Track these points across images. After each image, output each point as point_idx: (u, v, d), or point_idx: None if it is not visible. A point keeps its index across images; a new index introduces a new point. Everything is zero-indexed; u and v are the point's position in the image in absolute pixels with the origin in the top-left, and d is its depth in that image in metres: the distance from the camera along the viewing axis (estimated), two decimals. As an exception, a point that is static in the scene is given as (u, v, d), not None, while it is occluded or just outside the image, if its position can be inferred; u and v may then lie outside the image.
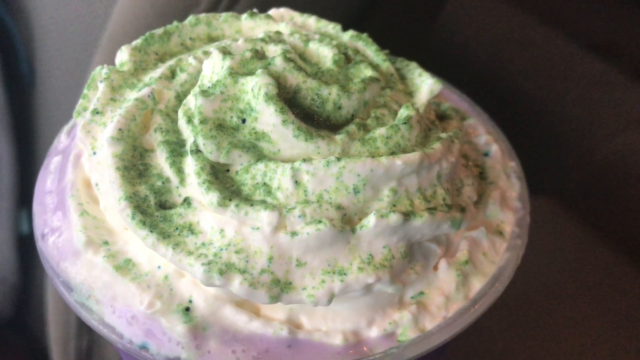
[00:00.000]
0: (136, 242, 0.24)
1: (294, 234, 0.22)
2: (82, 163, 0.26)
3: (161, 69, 0.27)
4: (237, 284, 0.22)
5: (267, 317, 0.23)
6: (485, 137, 0.29)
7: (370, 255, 0.23)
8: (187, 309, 0.23)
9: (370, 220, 0.23)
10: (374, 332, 0.23)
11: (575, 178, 0.81)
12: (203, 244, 0.23)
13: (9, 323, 0.71)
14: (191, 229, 0.23)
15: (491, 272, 0.25)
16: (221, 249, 0.22)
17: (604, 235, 0.59)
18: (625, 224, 0.72)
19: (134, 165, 0.24)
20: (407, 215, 0.23)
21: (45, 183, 0.27)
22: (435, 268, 0.25)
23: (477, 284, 0.25)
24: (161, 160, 0.24)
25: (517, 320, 0.47)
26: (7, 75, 0.71)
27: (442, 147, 0.24)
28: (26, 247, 0.70)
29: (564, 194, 0.77)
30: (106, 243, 0.24)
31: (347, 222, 0.23)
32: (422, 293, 0.24)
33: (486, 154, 0.28)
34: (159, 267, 0.23)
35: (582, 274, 0.53)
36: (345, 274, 0.22)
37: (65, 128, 0.29)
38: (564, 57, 0.99)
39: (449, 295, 0.24)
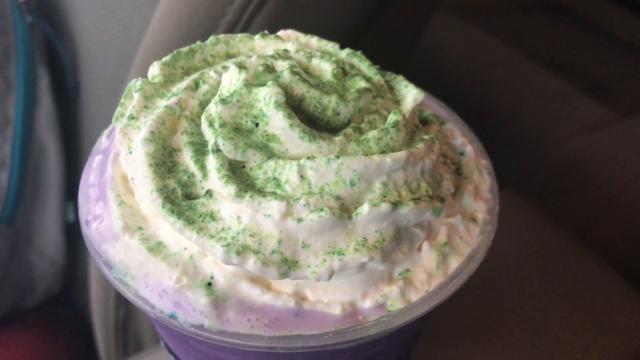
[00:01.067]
0: (166, 227, 0.24)
1: (299, 220, 0.22)
2: (120, 161, 0.26)
3: (186, 81, 0.26)
4: (251, 262, 0.22)
5: (277, 290, 0.23)
6: (461, 139, 0.29)
7: (364, 238, 0.23)
8: (209, 284, 0.22)
9: (365, 209, 0.22)
10: (367, 304, 0.23)
11: (535, 174, 0.81)
12: (222, 229, 0.22)
13: (59, 298, 0.71)
14: (212, 216, 0.23)
15: (466, 252, 0.25)
16: (238, 233, 0.22)
17: (560, 223, 0.58)
18: (578, 214, 0.71)
19: (164, 162, 0.24)
20: (396, 205, 0.23)
21: (89, 178, 0.27)
22: (419, 249, 0.24)
23: (454, 263, 0.25)
24: (187, 158, 0.24)
25: (487, 295, 0.47)
26: (56, 89, 0.71)
27: (425, 146, 0.24)
28: (73, 233, 0.70)
29: (526, 188, 0.77)
30: (140, 228, 0.24)
31: (344, 211, 0.23)
32: (408, 270, 0.24)
33: (462, 154, 0.28)
34: (185, 248, 0.23)
35: (541, 255, 0.52)
36: (343, 254, 0.22)
37: (106, 132, 0.29)
38: (526, 73, 0.99)
39: (430, 272, 0.24)
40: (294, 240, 0.22)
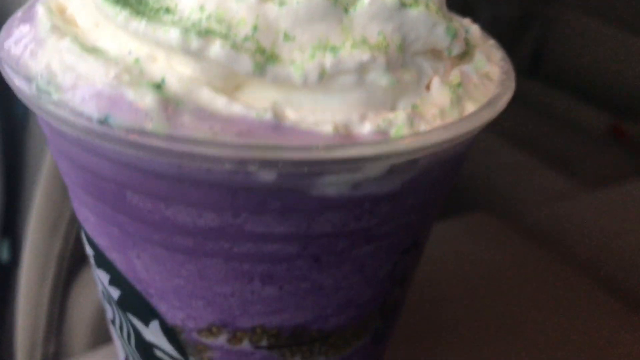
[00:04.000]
0: (107, 36, 0.18)
1: (282, 3, 0.17)
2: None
3: None
4: (217, 46, 0.16)
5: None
6: (466, 19, 0.25)
7: (364, 37, 0.18)
8: (159, 86, 0.17)
9: (365, 1, 0.18)
10: (366, 128, 0.17)
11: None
12: (180, 19, 0.17)
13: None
14: (168, 10, 0.18)
15: (484, 99, 0.20)
16: (200, 20, 0.17)
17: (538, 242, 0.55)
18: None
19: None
20: (404, 4, 0.18)
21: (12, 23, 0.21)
22: (428, 88, 0.19)
23: (470, 107, 0.19)
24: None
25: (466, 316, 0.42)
26: (3, 115, 0.65)
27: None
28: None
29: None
30: (74, 34, 0.18)
31: (339, 3, 0.18)
32: (415, 105, 0.19)
33: (466, 31, 0.24)
34: (129, 52, 0.18)
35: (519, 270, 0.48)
36: (337, 50, 0.17)
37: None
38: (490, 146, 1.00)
39: (443, 109, 0.19)
40: (273, 29, 0.17)
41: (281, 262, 0.20)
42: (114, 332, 0.26)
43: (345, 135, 0.17)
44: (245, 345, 0.22)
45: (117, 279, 0.22)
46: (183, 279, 0.20)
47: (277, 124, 0.17)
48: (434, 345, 0.39)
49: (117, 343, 0.26)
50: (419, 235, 0.22)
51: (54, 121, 0.17)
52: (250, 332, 0.21)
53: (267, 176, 0.17)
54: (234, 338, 0.22)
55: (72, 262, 0.48)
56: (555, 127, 1.09)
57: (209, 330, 0.22)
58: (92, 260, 0.24)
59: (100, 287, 0.24)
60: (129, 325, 0.24)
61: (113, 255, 0.21)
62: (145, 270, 0.21)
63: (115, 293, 0.23)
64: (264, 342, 0.22)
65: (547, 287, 0.47)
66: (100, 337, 0.46)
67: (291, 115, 0.17)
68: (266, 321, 0.21)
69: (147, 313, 0.22)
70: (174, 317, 0.22)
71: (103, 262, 0.22)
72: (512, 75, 0.22)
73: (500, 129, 1.05)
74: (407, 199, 0.20)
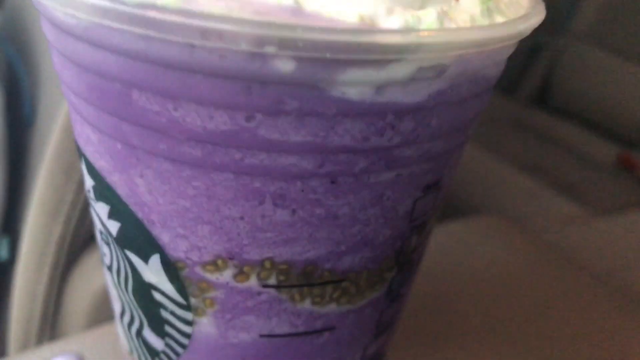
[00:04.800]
0: None
1: None
2: None
3: None
4: None
5: (267, -8, 0.16)
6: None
7: None
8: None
9: None
10: (393, 22, 0.16)
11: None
12: None
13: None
14: None
15: (516, 16, 0.19)
16: None
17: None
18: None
19: None
20: None
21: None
22: (457, 0, 0.18)
23: (501, 20, 0.18)
24: None
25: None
26: (11, 113, 0.65)
27: None
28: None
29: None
30: None
31: None
32: (445, 10, 0.17)
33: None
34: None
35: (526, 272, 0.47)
36: (364, -64, 0.16)
37: None
38: (498, 172, 1.01)
39: (474, 17, 0.18)
40: None
41: (295, 181, 0.18)
42: (110, 280, 0.24)
43: (370, 27, 0.16)
44: (253, 283, 0.20)
45: (117, 208, 0.21)
46: (189, 200, 0.19)
47: (298, 9, 0.15)
48: (440, 341, 0.38)
49: (113, 293, 0.24)
50: (441, 173, 0.21)
51: (60, 8, 0.16)
52: (259, 266, 0.20)
53: (285, 65, 0.15)
54: (241, 274, 0.20)
55: (71, 250, 0.46)
56: (564, 156, 1.09)
57: (214, 264, 0.20)
58: (91, 195, 0.22)
59: (98, 227, 0.23)
60: (127, 266, 0.22)
61: (114, 179, 0.20)
62: (148, 192, 0.19)
63: (114, 227, 0.21)
64: (273, 280, 0.20)
65: (556, 287, 0.46)
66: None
67: (313, 2, 0.16)
68: (276, 253, 0.20)
69: (148, 246, 0.20)
70: (177, 248, 0.20)
71: (103, 190, 0.21)
72: (542, 4, 0.20)
73: (509, 156, 1.05)
74: (432, 118, 0.18)
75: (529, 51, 1.26)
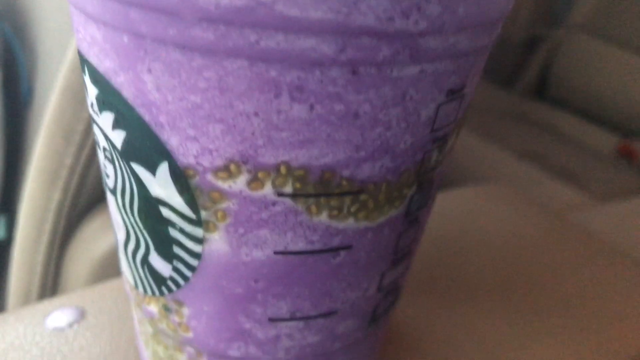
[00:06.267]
0: None
1: None
2: None
3: None
4: None
5: None
6: None
7: None
8: None
9: None
10: None
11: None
12: None
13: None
14: None
15: None
16: None
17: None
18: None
19: None
20: None
21: None
22: None
23: None
24: None
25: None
26: (8, 91, 0.63)
27: None
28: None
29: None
30: None
31: None
32: None
33: None
34: None
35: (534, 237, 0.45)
36: None
37: None
38: (500, 161, 1.01)
39: None
40: None
41: (314, 70, 0.17)
42: (114, 205, 0.23)
43: None
44: (267, 191, 0.19)
45: (122, 115, 0.19)
46: (200, 95, 0.17)
47: None
48: (451, 297, 0.37)
49: (117, 220, 0.23)
50: (465, 77, 0.20)
51: None
52: (274, 172, 0.19)
53: None
54: (255, 181, 0.19)
55: (69, 218, 0.45)
56: (564, 146, 1.09)
57: (227, 170, 0.19)
58: (95, 108, 0.21)
59: (102, 144, 0.22)
60: (133, 182, 0.21)
61: (120, 80, 0.19)
62: (156, 89, 0.18)
63: (119, 138, 0.20)
64: (288, 188, 0.19)
65: (565, 250, 0.45)
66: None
67: None
68: (292, 157, 0.18)
69: (155, 154, 0.19)
70: (187, 153, 0.19)
71: (107, 97, 0.19)
72: None
73: (509, 146, 1.04)
74: (459, 4, 0.17)
75: (528, 43, 1.26)
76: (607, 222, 0.83)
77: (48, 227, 0.45)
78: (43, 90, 0.64)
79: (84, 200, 0.45)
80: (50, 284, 0.46)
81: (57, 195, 0.44)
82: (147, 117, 0.19)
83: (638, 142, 1.09)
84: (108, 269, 0.44)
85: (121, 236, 0.24)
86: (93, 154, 0.43)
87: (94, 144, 0.43)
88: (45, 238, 0.45)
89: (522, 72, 1.33)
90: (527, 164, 0.99)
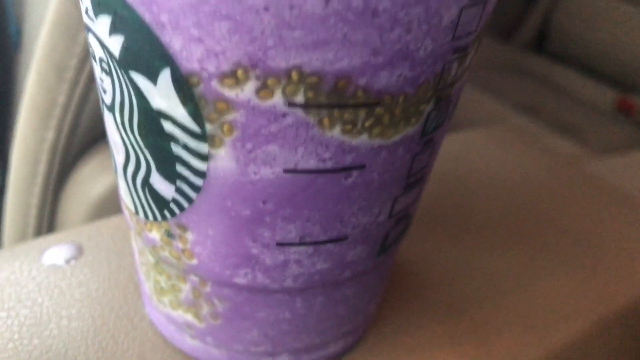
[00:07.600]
0: None
1: None
2: None
3: None
4: None
5: None
6: None
7: None
8: None
9: None
10: None
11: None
12: None
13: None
14: None
15: None
16: None
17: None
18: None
19: None
20: None
21: None
22: None
23: None
24: None
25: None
26: (-3, 34, 0.61)
27: None
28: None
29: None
30: None
31: None
32: None
33: None
34: None
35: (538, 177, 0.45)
36: None
37: None
38: (496, 112, 1.00)
39: None
40: None
41: (331, -41, 0.15)
42: (112, 124, 0.21)
43: None
44: (277, 100, 0.18)
45: (120, 16, 0.18)
46: (205, -13, 0.16)
47: None
48: (456, 234, 0.36)
49: (115, 140, 0.22)
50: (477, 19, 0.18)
51: None
52: (285, 78, 0.17)
53: None
54: (264, 88, 0.17)
55: (64, 160, 0.43)
56: (563, 100, 1.08)
57: (234, 76, 0.17)
58: (89, 14, 0.19)
59: (98, 55, 0.20)
60: (132, 94, 0.19)
61: (117, -24, 0.17)
62: (157, -17, 0.16)
63: (116, 45, 0.18)
64: (300, 97, 0.18)
65: (570, 190, 0.45)
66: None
67: None
68: (304, 60, 0.17)
69: (157, 60, 0.18)
70: (190, 57, 0.17)
71: (104, -2, 0.18)
72: None
73: (509, 99, 1.03)
74: None
75: (527, -5, 1.24)
76: (604, 175, 0.83)
77: (42, 169, 0.43)
78: (32, 32, 0.62)
79: (78, 141, 0.43)
80: (46, 228, 0.45)
81: (50, 135, 0.42)
82: (147, 17, 0.17)
83: (637, 97, 1.07)
84: (105, 212, 0.43)
85: (120, 158, 0.22)
86: (87, 91, 0.41)
87: (88, 81, 0.41)
88: (39, 180, 0.44)
89: (522, 25, 1.31)
90: (525, 117, 0.99)
